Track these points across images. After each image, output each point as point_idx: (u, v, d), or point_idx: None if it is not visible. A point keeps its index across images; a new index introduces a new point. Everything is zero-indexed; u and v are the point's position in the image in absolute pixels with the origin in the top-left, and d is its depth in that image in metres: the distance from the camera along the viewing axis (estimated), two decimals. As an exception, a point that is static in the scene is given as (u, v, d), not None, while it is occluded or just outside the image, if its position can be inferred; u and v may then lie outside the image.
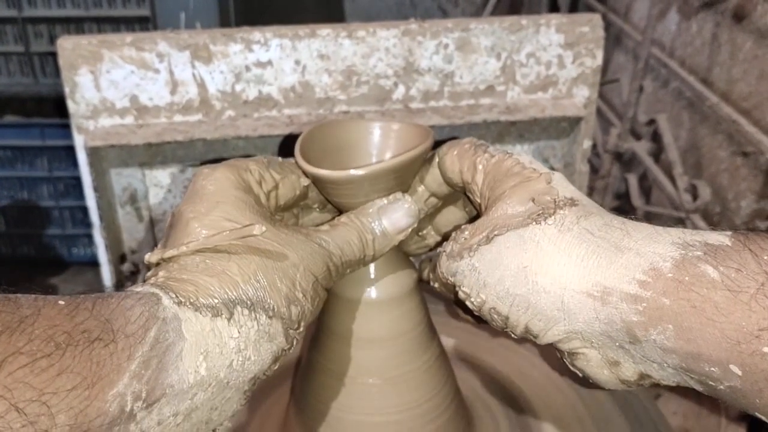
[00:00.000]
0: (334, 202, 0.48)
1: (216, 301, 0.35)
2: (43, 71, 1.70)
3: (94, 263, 0.89)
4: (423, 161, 0.48)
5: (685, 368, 0.34)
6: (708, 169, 1.28)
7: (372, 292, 0.48)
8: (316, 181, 0.46)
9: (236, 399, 0.38)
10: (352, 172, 0.44)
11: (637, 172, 1.49)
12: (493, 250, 0.39)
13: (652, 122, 1.45)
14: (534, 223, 0.39)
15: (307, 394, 0.51)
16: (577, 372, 0.41)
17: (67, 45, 0.75)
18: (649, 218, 0.59)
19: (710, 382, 0.34)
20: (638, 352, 0.36)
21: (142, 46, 0.76)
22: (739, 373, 0.32)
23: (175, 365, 0.33)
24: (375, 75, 0.80)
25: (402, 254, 0.50)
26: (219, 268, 0.37)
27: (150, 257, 0.39)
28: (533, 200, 0.40)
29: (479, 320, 0.46)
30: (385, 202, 0.46)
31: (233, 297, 0.36)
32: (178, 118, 0.79)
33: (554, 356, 0.42)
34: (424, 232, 0.52)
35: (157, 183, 0.83)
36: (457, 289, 0.42)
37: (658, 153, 1.43)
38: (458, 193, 0.49)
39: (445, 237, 0.46)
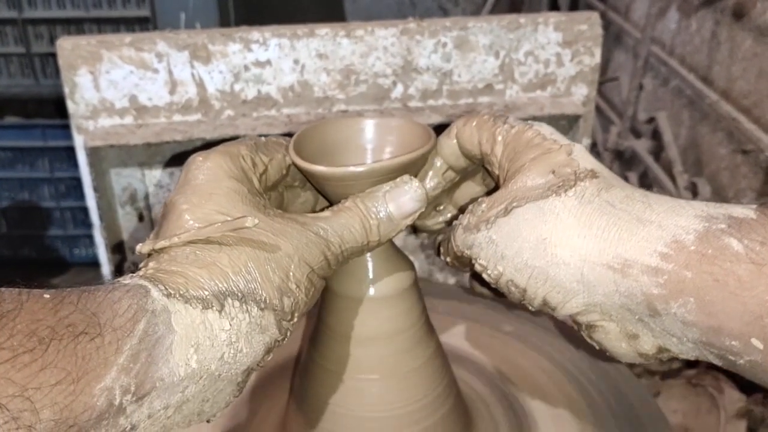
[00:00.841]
0: (332, 201, 0.48)
1: (206, 293, 0.35)
2: (43, 72, 1.70)
3: (95, 264, 0.89)
4: (424, 162, 0.47)
5: (705, 342, 0.34)
6: (708, 167, 1.28)
7: (371, 291, 0.48)
8: (314, 178, 0.46)
9: (229, 391, 0.37)
10: (351, 168, 0.44)
11: (638, 170, 1.49)
12: (511, 222, 0.39)
13: (652, 120, 1.45)
14: (554, 195, 0.38)
15: (306, 391, 0.51)
16: (594, 345, 0.40)
17: (67, 45, 0.75)
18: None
19: (730, 357, 0.33)
20: (658, 326, 0.36)
21: (141, 47, 0.76)
22: (761, 347, 0.31)
23: (165, 358, 0.33)
24: (373, 74, 0.80)
25: (400, 252, 0.51)
26: (209, 260, 0.36)
27: (141, 248, 0.38)
28: (553, 172, 0.39)
29: (496, 293, 0.45)
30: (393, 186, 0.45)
31: (224, 289, 0.35)
32: (177, 117, 0.79)
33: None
34: (442, 207, 0.51)
35: (157, 183, 0.84)
36: (473, 261, 0.42)
37: (658, 151, 1.43)
38: (477, 168, 0.48)
39: (462, 210, 0.45)
